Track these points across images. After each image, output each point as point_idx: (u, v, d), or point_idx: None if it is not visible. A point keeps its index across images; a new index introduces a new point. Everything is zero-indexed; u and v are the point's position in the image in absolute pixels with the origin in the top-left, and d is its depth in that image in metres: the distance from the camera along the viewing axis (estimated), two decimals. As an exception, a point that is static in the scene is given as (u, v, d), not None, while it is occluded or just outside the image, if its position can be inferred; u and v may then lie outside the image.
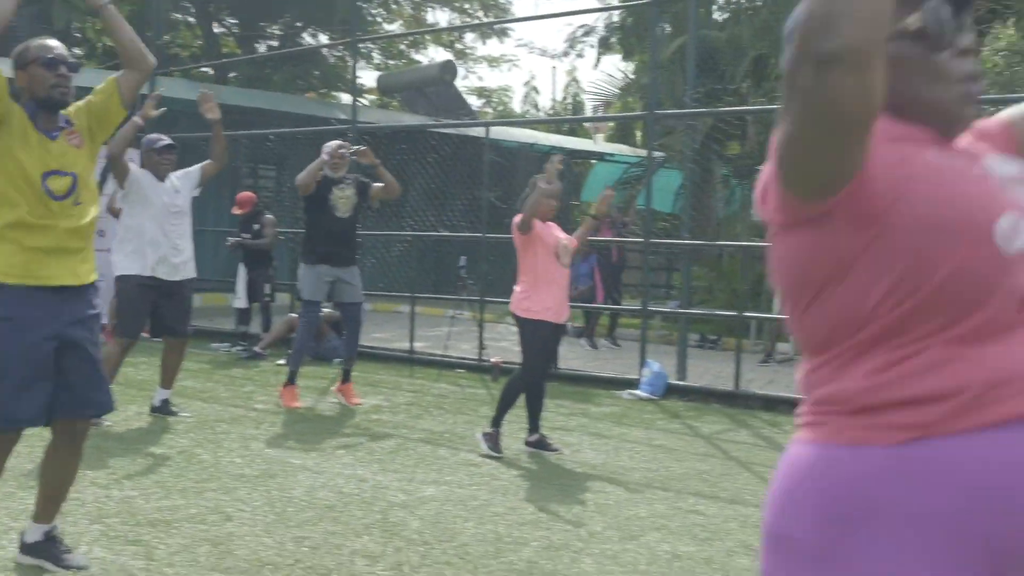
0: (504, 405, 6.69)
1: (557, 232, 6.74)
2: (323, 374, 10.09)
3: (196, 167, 7.77)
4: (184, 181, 7.57)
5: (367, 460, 6.36)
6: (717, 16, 16.79)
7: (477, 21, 26.01)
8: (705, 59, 13.93)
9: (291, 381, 8.28)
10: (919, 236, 1.40)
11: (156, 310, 7.40)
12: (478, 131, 14.06)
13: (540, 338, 6.62)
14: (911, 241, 1.40)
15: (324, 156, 8.10)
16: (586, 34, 21.60)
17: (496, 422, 6.68)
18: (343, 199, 8.28)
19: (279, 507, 5.12)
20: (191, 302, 7.76)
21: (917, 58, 1.51)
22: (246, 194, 11.64)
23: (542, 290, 6.59)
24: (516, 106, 39.10)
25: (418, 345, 11.44)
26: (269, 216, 11.52)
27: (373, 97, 26.76)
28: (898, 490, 1.38)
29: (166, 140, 7.51)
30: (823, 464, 1.45)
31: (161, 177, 7.40)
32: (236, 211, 11.57)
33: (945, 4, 1.50)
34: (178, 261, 7.43)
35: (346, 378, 8.63)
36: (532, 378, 6.70)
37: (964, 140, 1.57)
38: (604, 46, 20.44)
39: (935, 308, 1.40)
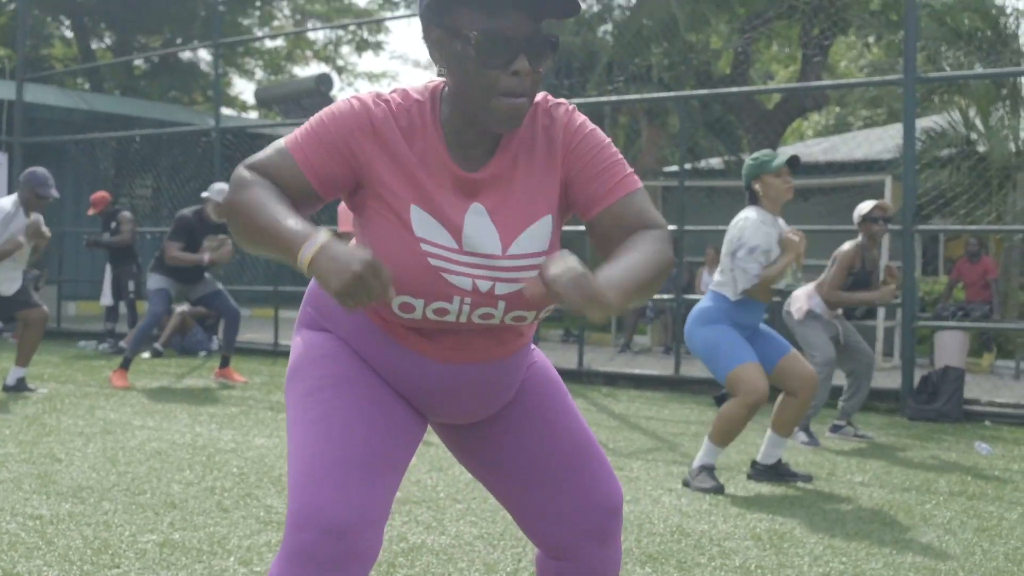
0: None
1: None
2: (188, 364, 10.32)
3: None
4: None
5: (207, 421, 6.66)
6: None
7: (350, 34, 26.35)
8: (560, 63, 14.54)
9: (124, 366, 8.41)
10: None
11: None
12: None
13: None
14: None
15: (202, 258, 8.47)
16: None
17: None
18: (210, 249, 8.60)
19: (111, 453, 5.41)
20: (31, 281, 8.02)
21: (471, 64, 1.78)
22: (99, 194, 11.78)
23: None
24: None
25: (284, 341, 11.70)
26: (125, 213, 11.66)
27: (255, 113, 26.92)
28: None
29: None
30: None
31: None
32: (91, 212, 11.77)
33: (503, 35, 1.75)
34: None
35: (225, 363, 8.96)
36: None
37: (517, 157, 1.90)
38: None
39: None
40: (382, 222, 1.85)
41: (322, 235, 1.66)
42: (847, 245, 6.80)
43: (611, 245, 1.90)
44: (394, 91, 1.91)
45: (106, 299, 11.84)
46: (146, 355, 10.71)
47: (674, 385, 9.30)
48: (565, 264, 1.66)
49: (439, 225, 1.85)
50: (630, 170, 1.98)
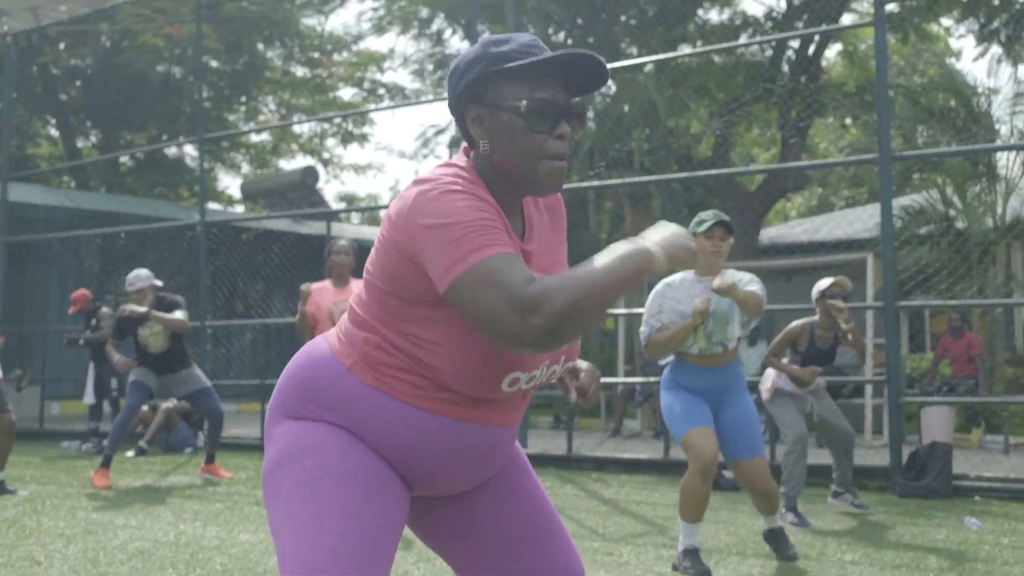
0: None
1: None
2: (174, 462, 10.23)
3: None
4: None
5: (191, 519, 6.59)
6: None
7: (335, 127, 26.61)
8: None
9: (105, 465, 8.26)
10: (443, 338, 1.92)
11: None
12: (321, 228, 14.47)
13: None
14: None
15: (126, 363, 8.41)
16: (437, 134, 22.41)
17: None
18: (152, 336, 8.47)
19: (92, 554, 5.34)
20: (12, 382, 7.95)
21: (520, 131, 1.92)
22: (80, 292, 11.76)
23: None
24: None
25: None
26: (106, 310, 11.62)
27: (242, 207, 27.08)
28: (359, 410, 1.98)
29: None
30: (327, 365, 2.03)
31: None
32: (72, 310, 11.74)
33: (550, 98, 1.92)
34: None
35: (210, 459, 8.85)
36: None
37: (536, 224, 2.06)
38: (455, 144, 21.20)
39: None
40: None
41: (647, 243, 1.84)
42: (797, 321, 6.88)
43: None
44: (448, 170, 1.93)
45: (89, 398, 11.77)
46: (130, 453, 10.63)
47: (664, 468, 9.24)
48: (594, 374, 2.24)
49: None
50: None
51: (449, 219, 1.78)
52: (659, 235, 1.87)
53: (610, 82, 17.56)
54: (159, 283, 8.67)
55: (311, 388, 1.99)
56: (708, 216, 5.12)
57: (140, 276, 8.54)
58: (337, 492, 1.89)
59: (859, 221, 16.93)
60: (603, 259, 1.77)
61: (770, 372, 6.82)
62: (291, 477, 1.93)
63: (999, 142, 12.88)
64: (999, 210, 12.69)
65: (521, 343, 1.70)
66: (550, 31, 16.96)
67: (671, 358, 5.20)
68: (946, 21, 18.04)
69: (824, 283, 6.85)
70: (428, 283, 1.84)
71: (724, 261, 5.17)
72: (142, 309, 8.37)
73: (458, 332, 1.88)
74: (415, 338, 1.91)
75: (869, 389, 11.06)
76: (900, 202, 13.50)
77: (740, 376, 5.28)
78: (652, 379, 10.89)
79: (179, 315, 8.46)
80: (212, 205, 26.22)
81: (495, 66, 1.94)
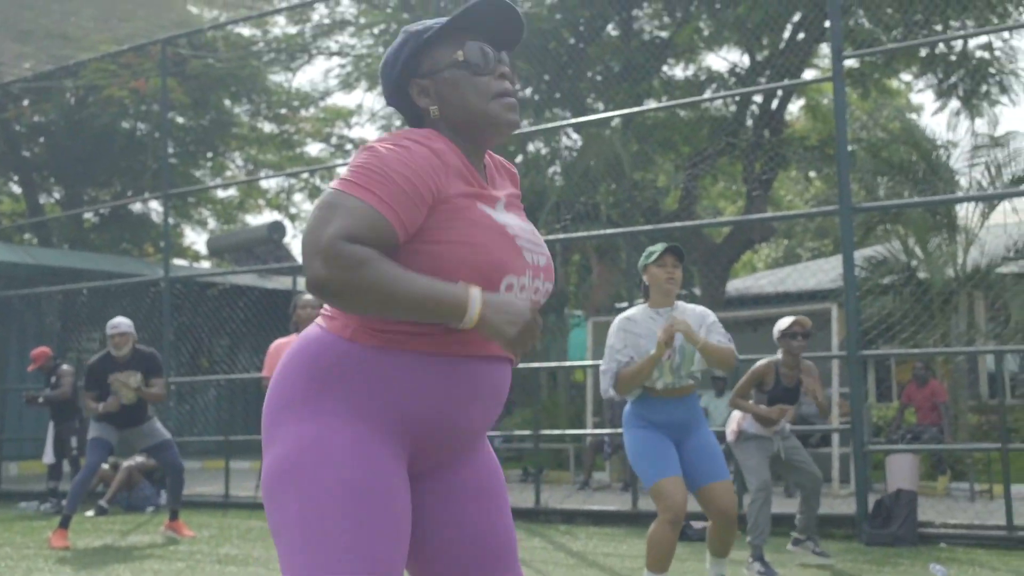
0: None
1: None
2: (135, 521, 10.08)
3: None
4: None
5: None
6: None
7: (302, 182, 26.64)
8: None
9: (64, 525, 8.07)
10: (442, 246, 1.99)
11: None
12: (287, 283, 14.43)
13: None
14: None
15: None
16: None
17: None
18: (125, 388, 8.31)
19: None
20: None
21: (465, 80, 2.10)
22: (39, 350, 11.58)
23: None
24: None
25: (236, 492, 11.48)
26: (66, 367, 11.45)
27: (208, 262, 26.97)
28: (362, 376, 1.99)
29: None
30: (321, 341, 2.05)
31: None
32: (31, 367, 11.57)
33: (481, 44, 2.12)
34: None
35: (174, 516, 8.70)
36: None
37: (499, 182, 2.22)
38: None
39: None
40: (469, 216, 2.01)
41: (475, 290, 1.89)
42: (761, 361, 6.87)
43: None
44: (413, 132, 2.07)
45: (48, 457, 11.55)
46: (90, 513, 10.46)
47: (633, 520, 9.19)
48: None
49: (496, 220, 2.06)
50: None
51: (373, 155, 1.95)
52: (497, 299, 1.91)
53: (576, 136, 17.73)
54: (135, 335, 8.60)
55: (315, 368, 2.00)
56: (657, 247, 5.16)
57: (123, 322, 8.48)
58: (346, 510, 1.88)
59: (823, 272, 17.06)
60: (426, 284, 1.86)
61: (735, 414, 6.75)
62: (297, 491, 1.92)
63: (959, 193, 13.05)
64: (960, 260, 12.82)
65: (305, 271, 1.84)
66: (517, 87, 17.09)
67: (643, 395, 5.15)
68: (906, 76, 18.33)
69: (784, 322, 6.87)
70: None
71: (679, 288, 5.19)
72: (132, 387, 8.28)
73: (458, 231, 1.98)
74: (412, 259, 1.97)
75: (836, 438, 11.08)
76: (863, 253, 13.62)
77: (700, 407, 5.31)
78: (620, 431, 10.87)
79: (157, 390, 8.43)
80: (178, 261, 26.14)
81: (422, 39, 2.12)
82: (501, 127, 2.12)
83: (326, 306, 2.05)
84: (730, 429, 6.77)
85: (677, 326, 4.89)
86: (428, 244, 1.96)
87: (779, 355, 6.87)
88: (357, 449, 1.94)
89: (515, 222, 2.12)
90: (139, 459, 11.19)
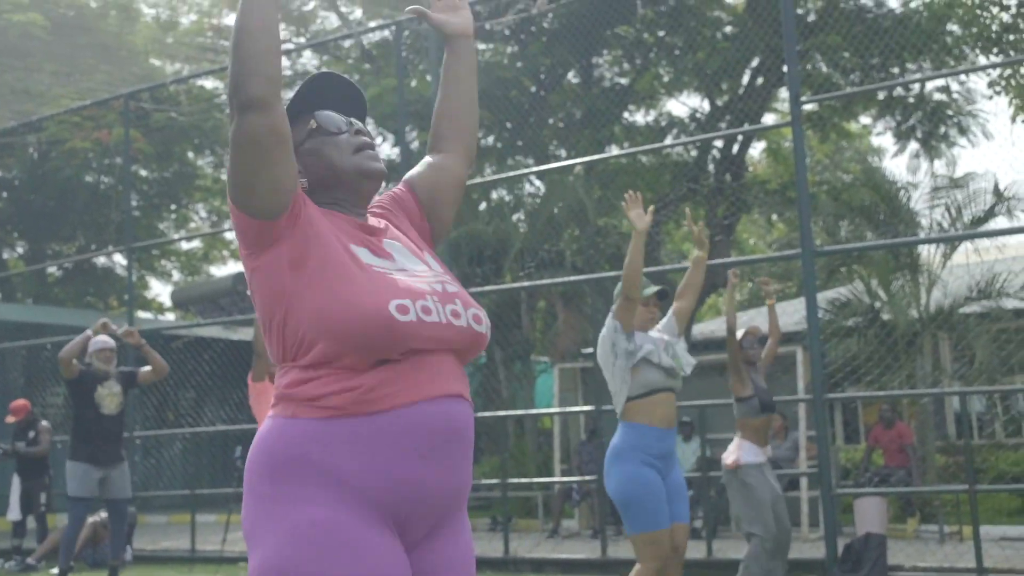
0: None
1: None
2: (97, 577, 9.93)
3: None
4: None
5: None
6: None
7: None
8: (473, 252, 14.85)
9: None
10: (320, 300, 1.99)
11: None
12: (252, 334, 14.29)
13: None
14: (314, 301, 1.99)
15: (88, 333, 8.30)
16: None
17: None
18: (109, 396, 8.40)
19: None
20: None
21: (324, 143, 2.19)
22: (19, 402, 11.53)
23: None
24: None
25: (202, 547, 11.33)
26: (44, 423, 11.39)
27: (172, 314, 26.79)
28: (318, 450, 1.94)
29: None
30: (271, 430, 2.00)
31: None
32: (10, 419, 11.45)
33: (329, 111, 2.23)
34: None
35: (114, 573, 8.60)
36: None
37: (377, 214, 2.28)
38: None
39: (337, 351, 1.97)
40: (334, 258, 2.02)
41: None
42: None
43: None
44: None
45: (14, 513, 11.38)
46: (54, 571, 10.28)
47: (602, 568, 9.15)
48: None
49: (374, 255, 2.10)
50: None
51: None
52: None
53: (540, 183, 17.82)
54: None
55: (272, 461, 1.97)
56: (646, 284, 5.41)
57: (107, 340, 8.52)
58: None
59: (787, 315, 17.14)
60: None
61: (735, 442, 6.53)
62: None
63: (920, 235, 13.20)
64: (923, 301, 12.94)
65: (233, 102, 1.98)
66: (480, 135, 17.19)
67: (636, 424, 5.17)
68: (865, 119, 18.58)
69: (738, 335, 6.88)
70: (279, 259, 2.02)
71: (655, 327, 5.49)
72: (138, 339, 8.38)
73: (319, 284, 1.99)
74: (304, 326, 1.98)
75: (804, 482, 11.10)
76: (826, 295, 13.71)
77: None
78: (589, 478, 10.85)
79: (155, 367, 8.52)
80: (143, 313, 25.90)
81: None
82: (369, 176, 2.19)
83: (274, 391, 2.06)
84: (728, 461, 6.48)
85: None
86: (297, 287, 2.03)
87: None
88: (339, 537, 1.90)
89: (396, 252, 2.16)
90: (103, 515, 11.04)
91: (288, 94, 2.19)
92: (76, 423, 8.44)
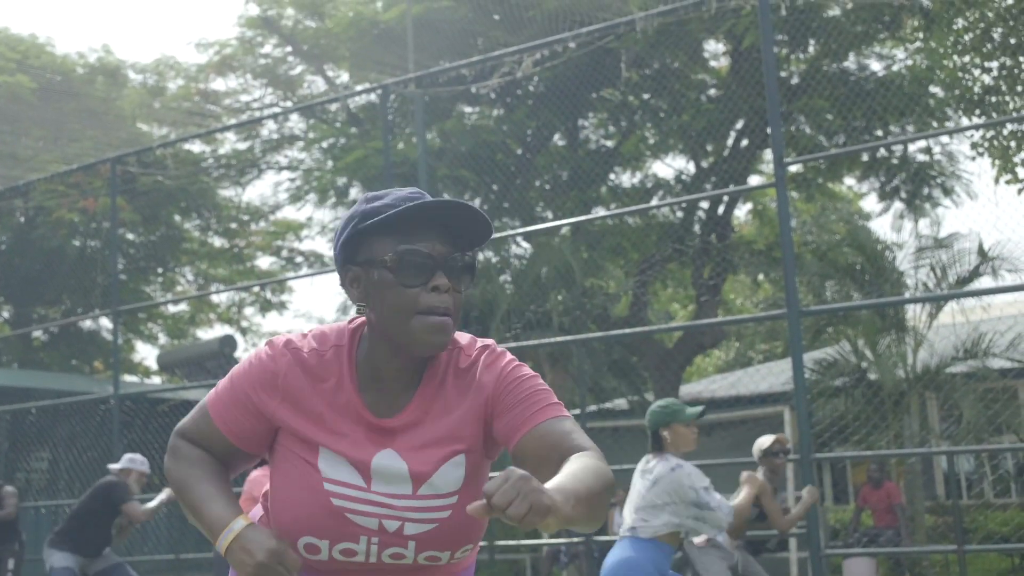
0: None
1: None
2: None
3: None
4: None
5: None
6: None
7: (253, 295, 26.56)
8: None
9: None
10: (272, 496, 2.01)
11: None
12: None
13: None
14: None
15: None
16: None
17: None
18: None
19: None
20: None
21: (390, 287, 1.83)
22: None
23: None
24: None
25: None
26: (9, 488, 11.16)
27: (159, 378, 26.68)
28: None
29: None
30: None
31: None
32: None
33: (419, 248, 1.82)
34: None
35: None
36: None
37: (441, 401, 1.92)
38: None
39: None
40: (289, 463, 1.91)
41: (239, 522, 1.84)
42: (751, 473, 6.75)
43: (545, 469, 1.75)
44: (312, 332, 1.96)
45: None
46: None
47: (591, 634, 9.04)
48: (505, 474, 1.56)
49: (348, 465, 1.87)
50: (556, 401, 1.90)
51: (239, 363, 2.00)
52: (250, 534, 1.84)
53: (526, 245, 17.88)
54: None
55: None
56: (683, 405, 5.37)
57: (144, 461, 8.79)
58: None
59: (773, 375, 17.16)
60: (206, 496, 1.92)
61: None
62: None
63: (906, 295, 13.26)
64: (910, 361, 12.96)
65: None
66: (466, 196, 17.28)
67: (662, 543, 5.14)
68: (849, 180, 18.74)
69: (765, 441, 6.84)
70: (258, 433, 1.98)
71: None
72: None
73: (277, 476, 1.96)
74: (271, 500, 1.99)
75: (793, 542, 11.02)
76: (813, 355, 13.72)
77: None
78: (576, 539, 10.76)
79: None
80: (129, 377, 25.80)
81: (364, 222, 1.86)
82: (421, 349, 1.84)
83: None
84: (699, 539, 6.58)
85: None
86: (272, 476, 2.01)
87: (759, 472, 6.79)
88: None
89: (383, 470, 1.88)
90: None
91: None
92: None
